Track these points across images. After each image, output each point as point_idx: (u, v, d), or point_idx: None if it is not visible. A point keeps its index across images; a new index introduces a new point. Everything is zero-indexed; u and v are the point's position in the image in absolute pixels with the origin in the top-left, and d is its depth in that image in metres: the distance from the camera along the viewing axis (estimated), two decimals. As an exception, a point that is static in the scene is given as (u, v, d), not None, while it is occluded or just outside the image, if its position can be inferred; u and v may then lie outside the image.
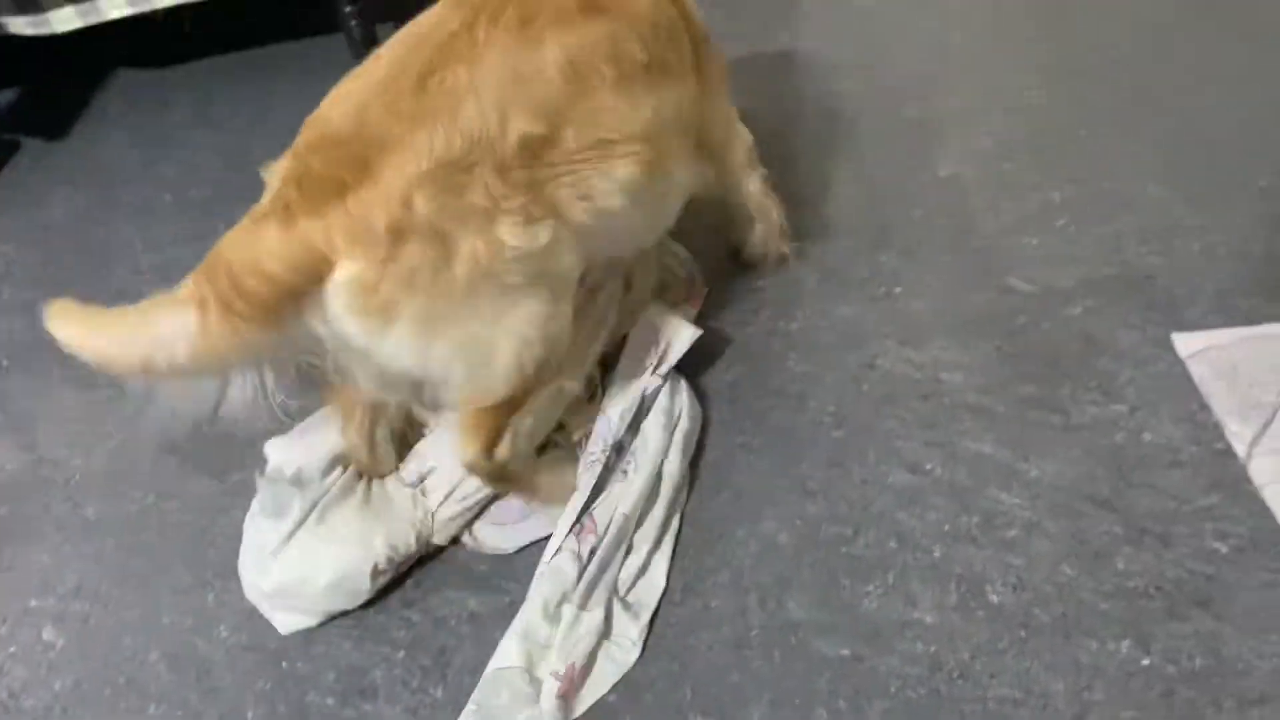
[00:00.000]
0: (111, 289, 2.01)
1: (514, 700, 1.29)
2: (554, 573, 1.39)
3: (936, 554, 1.42)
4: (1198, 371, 1.58)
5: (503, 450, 1.41)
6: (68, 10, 2.16)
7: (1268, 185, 1.89)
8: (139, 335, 1.14)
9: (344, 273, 1.15)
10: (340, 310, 1.17)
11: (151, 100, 2.51)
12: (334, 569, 1.40)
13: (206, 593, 1.50)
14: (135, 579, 1.54)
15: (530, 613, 1.37)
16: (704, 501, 1.52)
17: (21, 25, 2.17)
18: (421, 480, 1.52)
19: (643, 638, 1.37)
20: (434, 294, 1.19)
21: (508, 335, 1.28)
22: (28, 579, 1.56)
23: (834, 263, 1.86)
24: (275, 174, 1.24)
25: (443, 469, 1.51)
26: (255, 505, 1.51)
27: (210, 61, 2.60)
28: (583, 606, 1.37)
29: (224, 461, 1.67)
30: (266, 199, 1.21)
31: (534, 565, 1.44)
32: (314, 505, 1.45)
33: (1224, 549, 1.37)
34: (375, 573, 1.42)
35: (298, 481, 1.48)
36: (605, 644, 1.36)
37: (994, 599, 1.36)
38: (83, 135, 2.45)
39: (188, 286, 1.16)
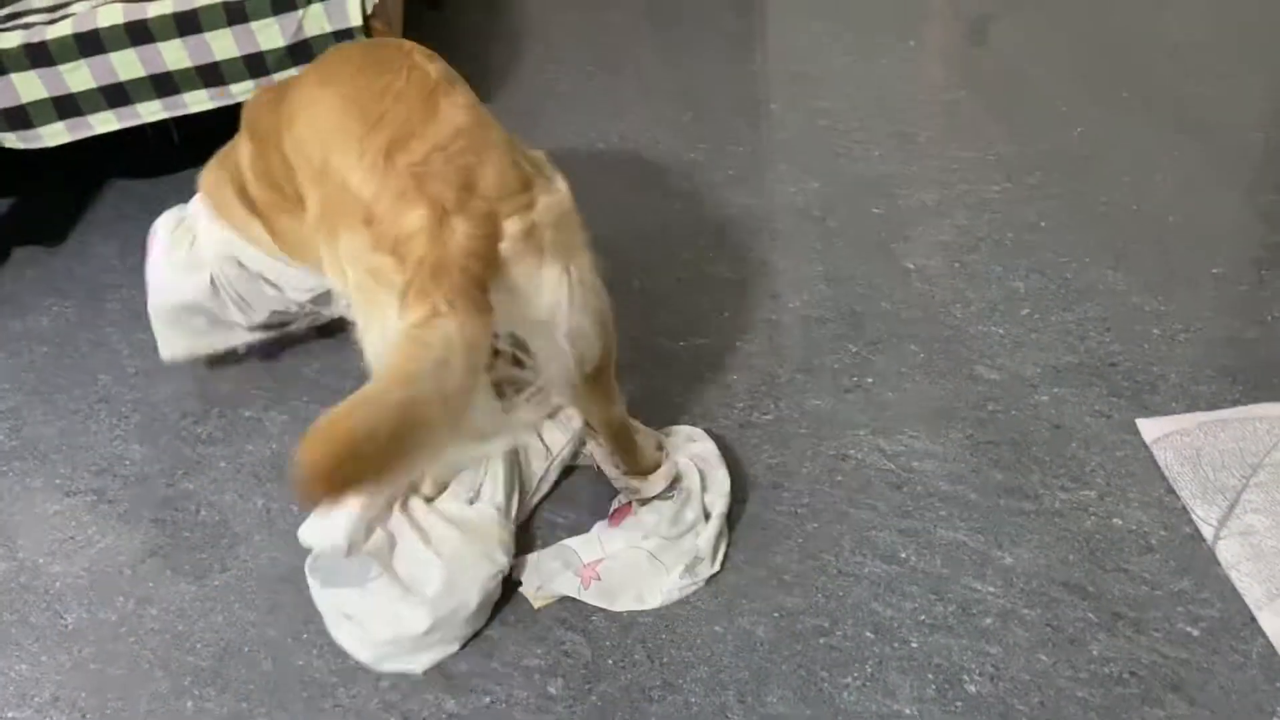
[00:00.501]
0: (96, 395, 2.04)
1: (564, 569, 1.56)
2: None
3: (914, 644, 1.43)
4: (1163, 456, 1.61)
5: (622, 407, 1.58)
6: (58, 125, 2.23)
7: (1220, 272, 1.95)
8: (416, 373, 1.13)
9: (511, 227, 1.26)
10: (512, 259, 1.26)
11: (142, 209, 2.56)
12: (480, 589, 1.51)
13: (185, 700, 1.49)
14: (114, 688, 1.53)
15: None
16: (682, 598, 1.53)
17: (13, 140, 2.24)
18: (477, 493, 1.62)
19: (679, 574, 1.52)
20: (569, 229, 1.33)
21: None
22: (3, 690, 1.54)
23: (805, 355, 1.91)
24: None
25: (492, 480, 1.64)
26: (336, 594, 1.54)
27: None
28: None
29: (203, 565, 1.68)
30: (416, 215, 1.22)
31: (508, 666, 1.45)
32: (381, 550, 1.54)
33: (1196, 632, 1.39)
34: (500, 582, 1.54)
35: (355, 547, 1.52)
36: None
37: (971, 689, 1.36)
38: (73, 245, 2.50)
39: (414, 312, 1.16)
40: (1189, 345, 1.81)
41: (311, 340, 2.09)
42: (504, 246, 1.26)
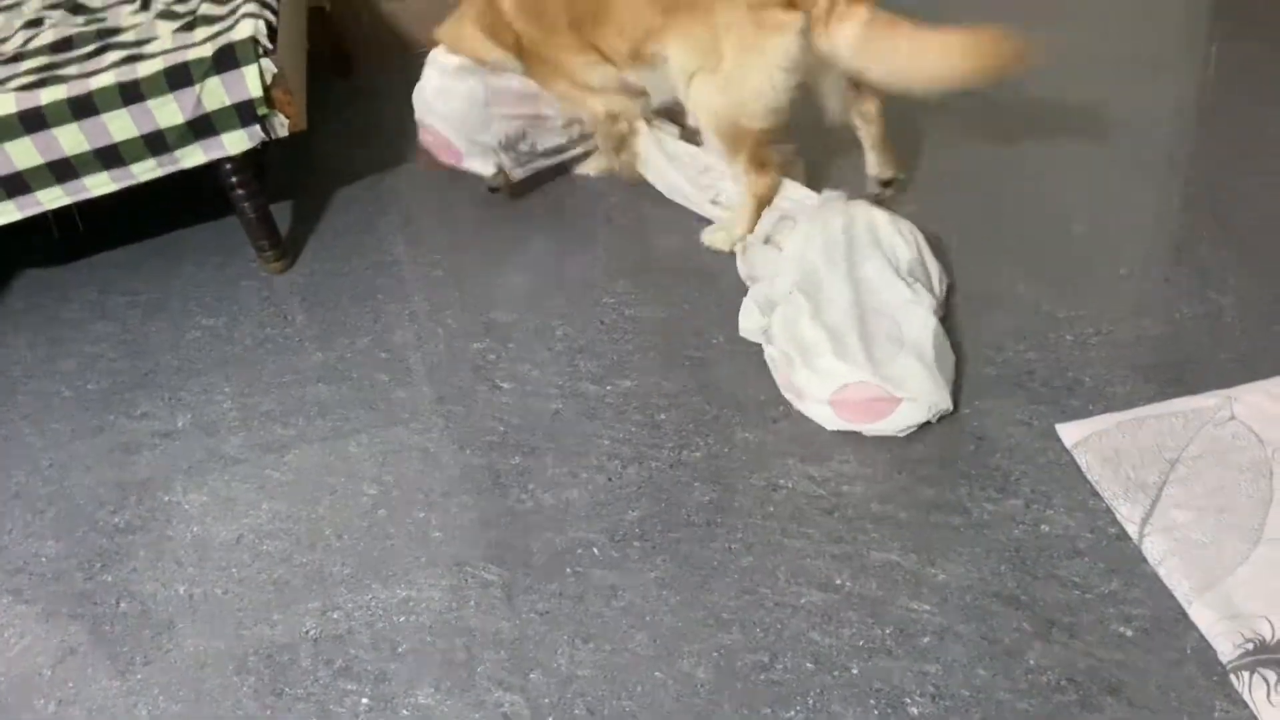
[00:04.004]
0: (9, 492, 1.97)
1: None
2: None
3: (854, 670, 1.41)
4: (1084, 460, 1.63)
5: None
6: (-42, 219, 2.18)
7: (1127, 273, 2.00)
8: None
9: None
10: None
11: (51, 297, 2.51)
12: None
13: (110, 804, 1.43)
14: (34, 798, 1.46)
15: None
16: (620, 645, 1.51)
17: (-88, 237, 2.19)
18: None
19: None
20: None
21: None
22: (-83, 813, 1.47)
23: (730, 389, 1.90)
24: None
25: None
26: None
27: (111, 254, 2.63)
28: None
29: (125, 659, 1.62)
30: None
31: None
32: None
33: (1129, 632, 1.39)
34: None
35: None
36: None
37: (914, 711, 1.35)
38: (-19, 339, 2.44)
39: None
40: (1102, 348, 1.84)
41: (232, 416, 2.05)
42: None
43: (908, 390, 1.72)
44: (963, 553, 1.54)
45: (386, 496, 1.81)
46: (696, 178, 2.35)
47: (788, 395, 1.85)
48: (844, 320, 1.82)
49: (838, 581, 1.54)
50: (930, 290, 1.92)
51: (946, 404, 1.74)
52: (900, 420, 1.73)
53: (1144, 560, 1.48)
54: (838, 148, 2.31)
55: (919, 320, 1.82)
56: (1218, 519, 1.49)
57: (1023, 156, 2.37)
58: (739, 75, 1.99)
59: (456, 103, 2.34)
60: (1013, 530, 1.56)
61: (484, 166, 2.42)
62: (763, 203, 2.16)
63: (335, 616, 1.62)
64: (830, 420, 1.77)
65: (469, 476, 1.82)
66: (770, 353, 1.91)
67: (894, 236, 1.97)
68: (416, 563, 1.68)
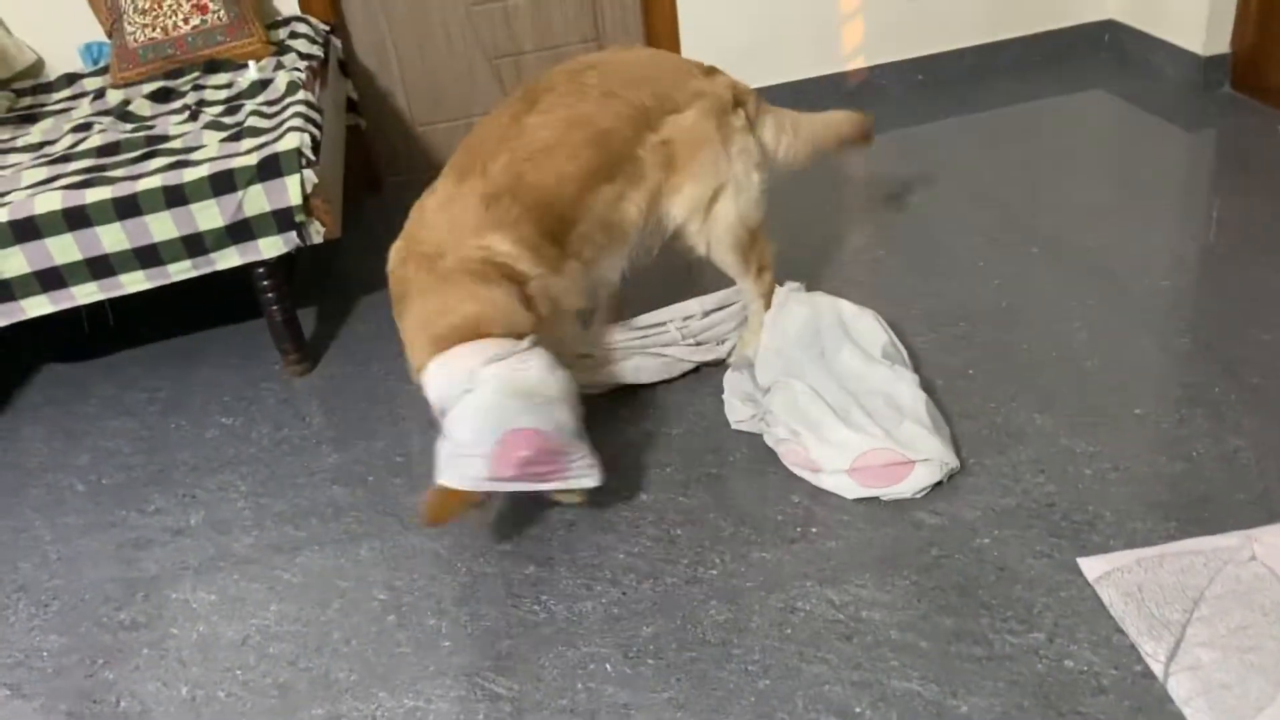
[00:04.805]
0: (14, 584, 1.95)
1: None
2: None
3: (875, 804, 1.37)
4: (1107, 595, 1.62)
5: None
6: (-9, 310, 2.22)
7: (1141, 413, 2.02)
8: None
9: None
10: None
11: (71, 392, 2.53)
12: None
13: None
14: None
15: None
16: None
17: (-56, 326, 2.22)
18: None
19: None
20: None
21: None
22: None
23: (747, 507, 1.90)
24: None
25: None
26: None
27: (133, 351, 2.66)
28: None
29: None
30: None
31: None
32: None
33: (1158, 774, 1.36)
34: None
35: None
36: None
37: None
38: (-1, 430, 2.45)
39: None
40: (1121, 484, 1.85)
41: (245, 515, 2.04)
42: None
43: (919, 452, 1.85)
44: (985, 685, 1.51)
45: (397, 602, 1.79)
46: (678, 330, 2.31)
47: (801, 472, 1.93)
48: (842, 398, 1.96)
49: (857, 710, 1.51)
50: (907, 367, 2.07)
51: (955, 461, 1.89)
52: (917, 482, 1.86)
53: (1169, 699, 1.45)
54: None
55: (908, 393, 1.98)
56: (1242, 659, 1.46)
57: (1040, 295, 2.42)
58: (745, 180, 2.11)
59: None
60: (1035, 664, 1.53)
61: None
62: (769, 300, 2.23)
63: (340, 725, 1.58)
64: (851, 489, 1.88)
65: (481, 585, 1.80)
66: (776, 434, 1.97)
67: (860, 323, 2.14)
68: (425, 672, 1.65)
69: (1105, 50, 3.69)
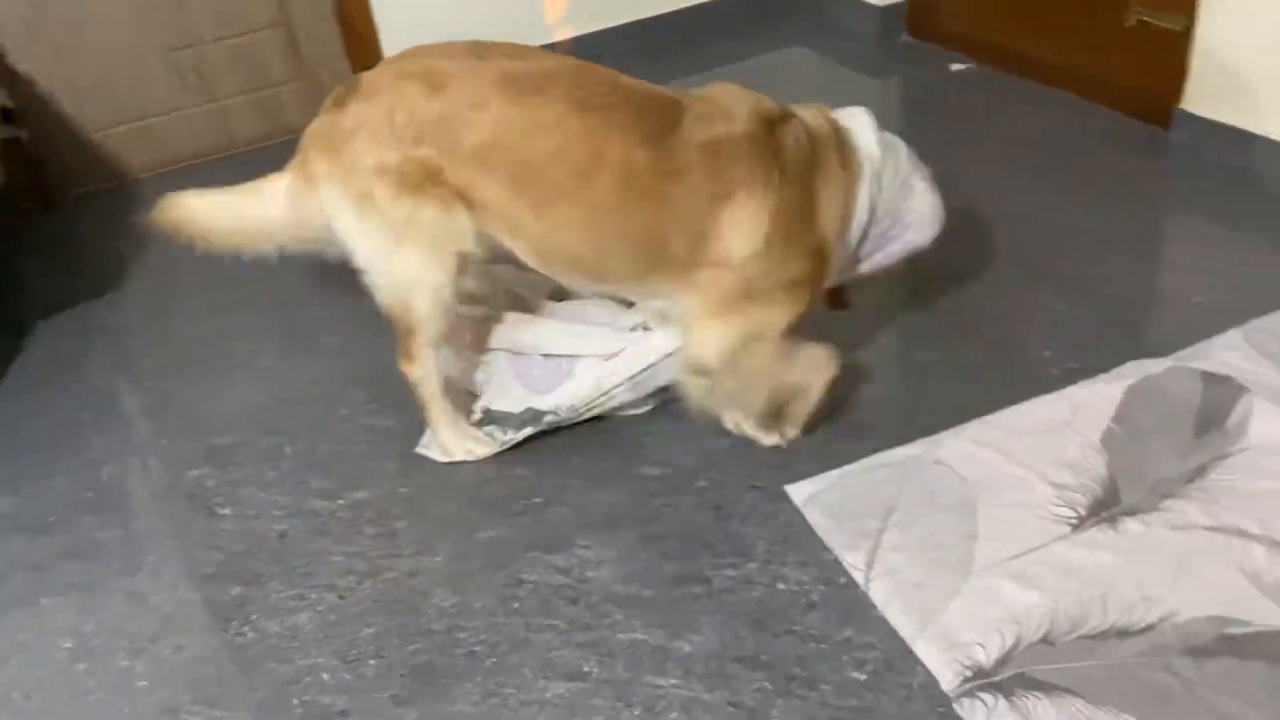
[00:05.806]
0: None
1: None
2: None
3: (604, 759, 1.36)
4: (812, 516, 1.68)
5: None
6: None
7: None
8: None
9: None
10: None
11: None
12: None
13: None
14: None
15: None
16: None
17: None
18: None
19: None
20: None
21: None
22: None
23: (470, 486, 1.85)
24: None
25: None
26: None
27: None
28: None
29: None
30: None
31: None
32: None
33: (863, 676, 1.42)
34: None
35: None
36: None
37: (665, 791, 1.31)
38: None
39: None
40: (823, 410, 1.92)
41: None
42: None
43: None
44: (705, 621, 1.54)
45: (85, 648, 1.62)
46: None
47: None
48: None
49: (585, 669, 1.49)
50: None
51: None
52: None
53: (873, 605, 1.52)
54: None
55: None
56: (930, 557, 1.56)
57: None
58: None
59: None
60: (751, 592, 1.57)
61: None
62: None
63: (23, 792, 1.41)
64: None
65: (181, 615, 1.66)
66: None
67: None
68: (119, 715, 1.50)
69: (804, 6, 3.84)
